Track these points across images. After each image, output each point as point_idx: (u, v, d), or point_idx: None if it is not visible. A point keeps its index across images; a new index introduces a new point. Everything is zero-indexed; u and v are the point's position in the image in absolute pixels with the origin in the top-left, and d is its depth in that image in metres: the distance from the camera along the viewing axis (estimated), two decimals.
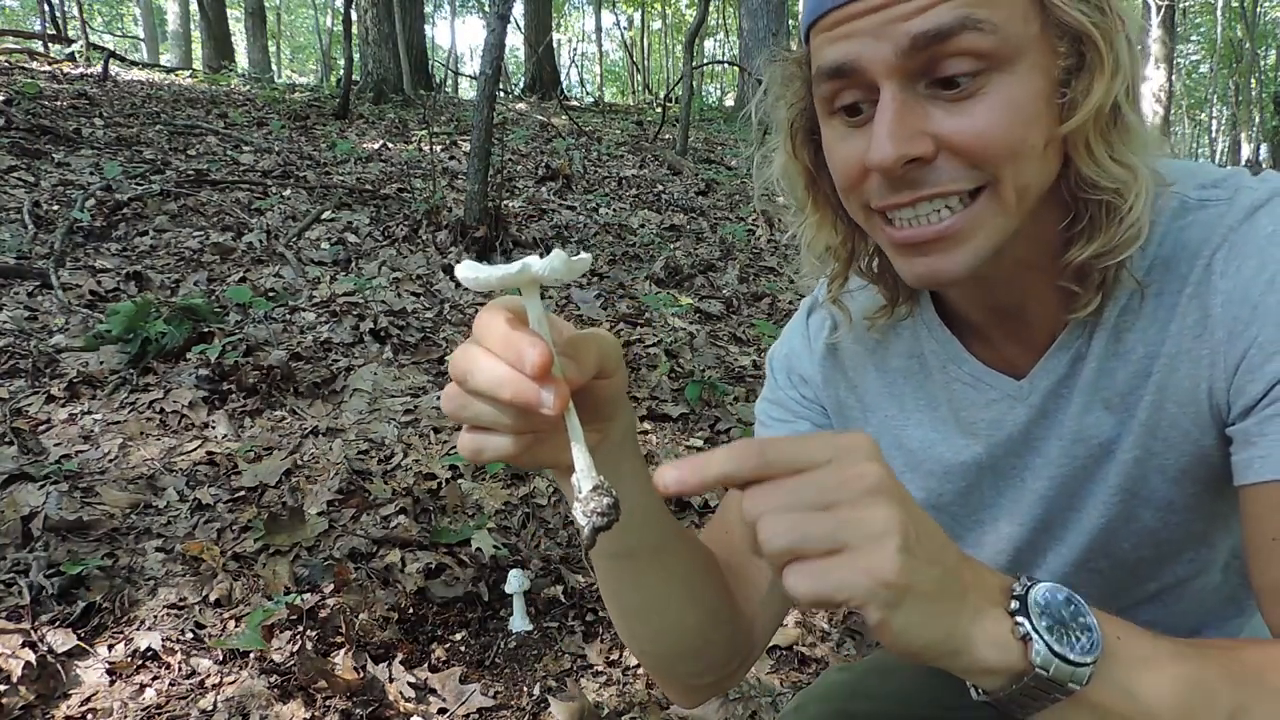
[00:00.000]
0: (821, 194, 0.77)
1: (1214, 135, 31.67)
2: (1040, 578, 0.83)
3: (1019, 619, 0.51)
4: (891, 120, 0.61)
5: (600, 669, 1.95)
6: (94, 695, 1.66)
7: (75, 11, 11.73)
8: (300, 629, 1.86)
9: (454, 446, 2.69)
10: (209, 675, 1.75)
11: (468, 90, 18.08)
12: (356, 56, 8.92)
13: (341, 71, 8.51)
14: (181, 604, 1.92)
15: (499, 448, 0.54)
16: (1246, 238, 0.65)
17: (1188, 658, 0.55)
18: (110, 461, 2.39)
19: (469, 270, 0.51)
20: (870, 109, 0.64)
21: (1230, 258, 0.65)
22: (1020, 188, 0.63)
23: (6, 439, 2.38)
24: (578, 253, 0.52)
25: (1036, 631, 0.50)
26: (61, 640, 1.74)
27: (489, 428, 0.54)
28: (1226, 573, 0.81)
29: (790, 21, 11.86)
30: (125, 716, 1.63)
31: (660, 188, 6.93)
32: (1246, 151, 23.78)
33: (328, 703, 1.72)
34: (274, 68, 17.73)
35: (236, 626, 1.87)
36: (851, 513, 0.47)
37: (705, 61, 20.74)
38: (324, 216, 4.78)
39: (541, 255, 0.52)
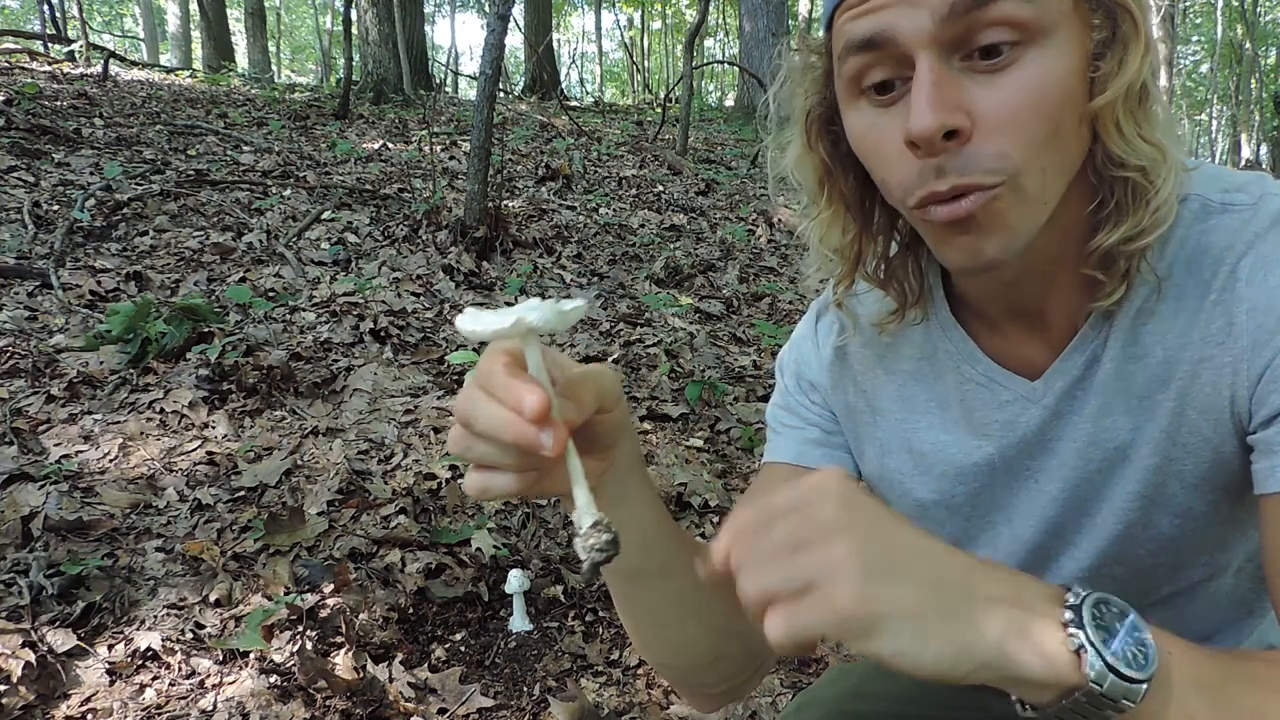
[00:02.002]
0: (835, 188, 0.75)
1: (1214, 135, 31.68)
2: (1052, 582, 0.82)
3: (1072, 630, 0.50)
4: (930, 89, 0.60)
5: (600, 669, 1.95)
6: (94, 695, 1.66)
7: (75, 11, 11.73)
8: (300, 629, 1.86)
9: None
10: (209, 675, 1.75)
11: (468, 90, 18.08)
12: (356, 56, 8.92)
13: (341, 71, 8.51)
14: (181, 604, 1.92)
15: (504, 485, 0.57)
16: (1273, 245, 0.65)
17: (1241, 676, 0.54)
18: (110, 461, 2.39)
19: (466, 323, 0.54)
20: (903, 86, 0.63)
21: (1256, 266, 0.65)
22: (1044, 176, 0.63)
23: (6, 439, 2.38)
24: (570, 297, 0.55)
25: (1092, 644, 0.49)
26: (61, 640, 1.74)
27: (494, 466, 0.56)
28: (1239, 576, 0.81)
29: (790, 22, 11.86)
30: (125, 716, 1.63)
31: (660, 188, 6.93)
32: (1247, 152, 23.79)
33: (328, 703, 1.71)
34: (274, 68, 17.72)
35: (236, 626, 1.87)
36: (812, 552, 0.48)
37: (705, 61, 20.75)
38: (324, 216, 4.78)
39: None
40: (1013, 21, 0.59)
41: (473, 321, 0.53)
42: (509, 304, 4.22)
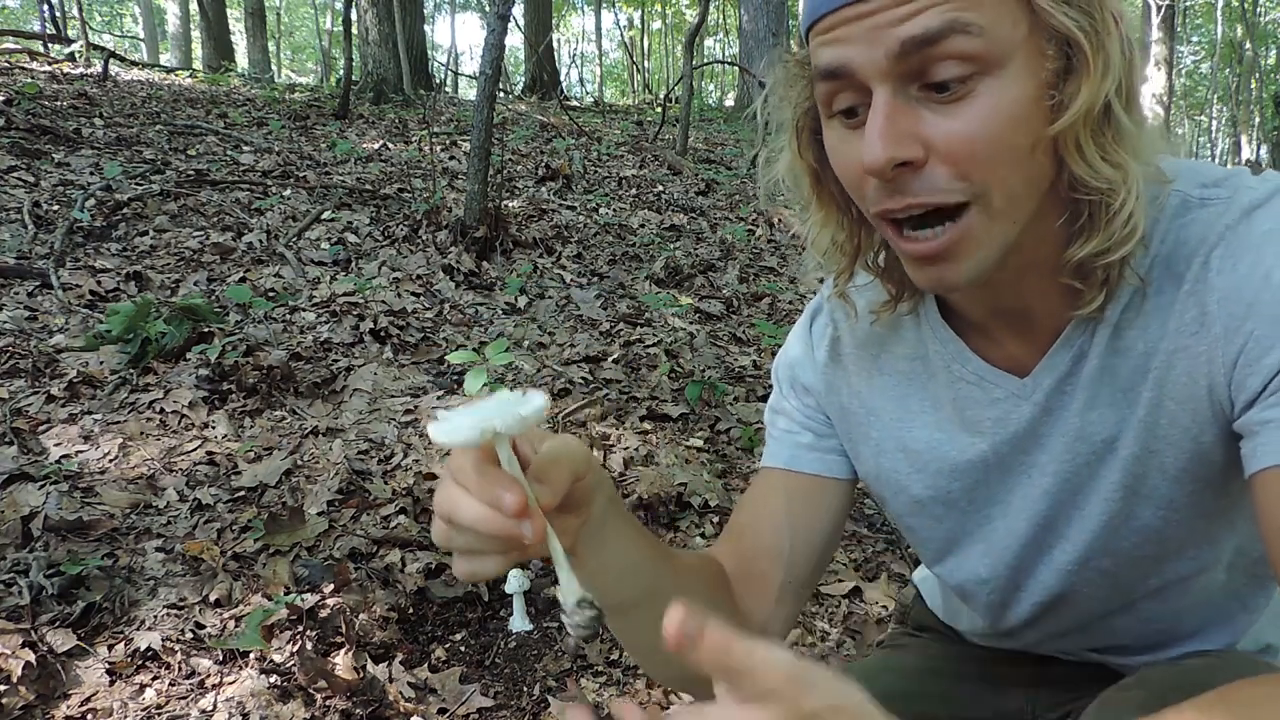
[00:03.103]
0: (826, 191, 0.77)
1: (1214, 135, 31.68)
2: (1045, 574, 0.83)
3: None
4: (882, 123, 0.62)
5: (600, 669, 1.95)
6: (94, 695, 1.66)
7: (75, 11, 11.72)
8: (300, 629, 1.86)
9: None
10: (209, 675, 1.74)
11: (468, 90, 18.07)
12: (356, 56, 8.92)
13: (341, 71, 8.50)
14: (181, 604, 1.92)
15: (491, 568, 0.61)
16: (1243, 236, 0.65)
17: None
18: (110, 461, 2.39)
19: (437, 434, 0.56)
20: (865, 112, 0.65)
21: (1226, 255, 0.66)
22: (1010, 195, 0.64)
23: (6, 439, 2.37)
24: (526, 394, 0.58)
25: None
26: (61, 640, 1.74)
27: (480, 552, 0.60)
28: (1231, 571, 0.82)
29: (791, 21, 11.87)
30: (125, 716, 1.63)
31: (660, 188, 6.93)
32: (1247, 152, 23.80)
33: (328, 703, 1.71)
34: (274, 68, 17.71)
35: (236, 626, 1.87)
36: None
37: (705, 61, 20.74)
38: (324, 216, 4.78)
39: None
40: (963, 55, 0.60)
41: (443, 433, 0.56)
42: (509, 304, 4.16)
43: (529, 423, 0.57)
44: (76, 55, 9.60)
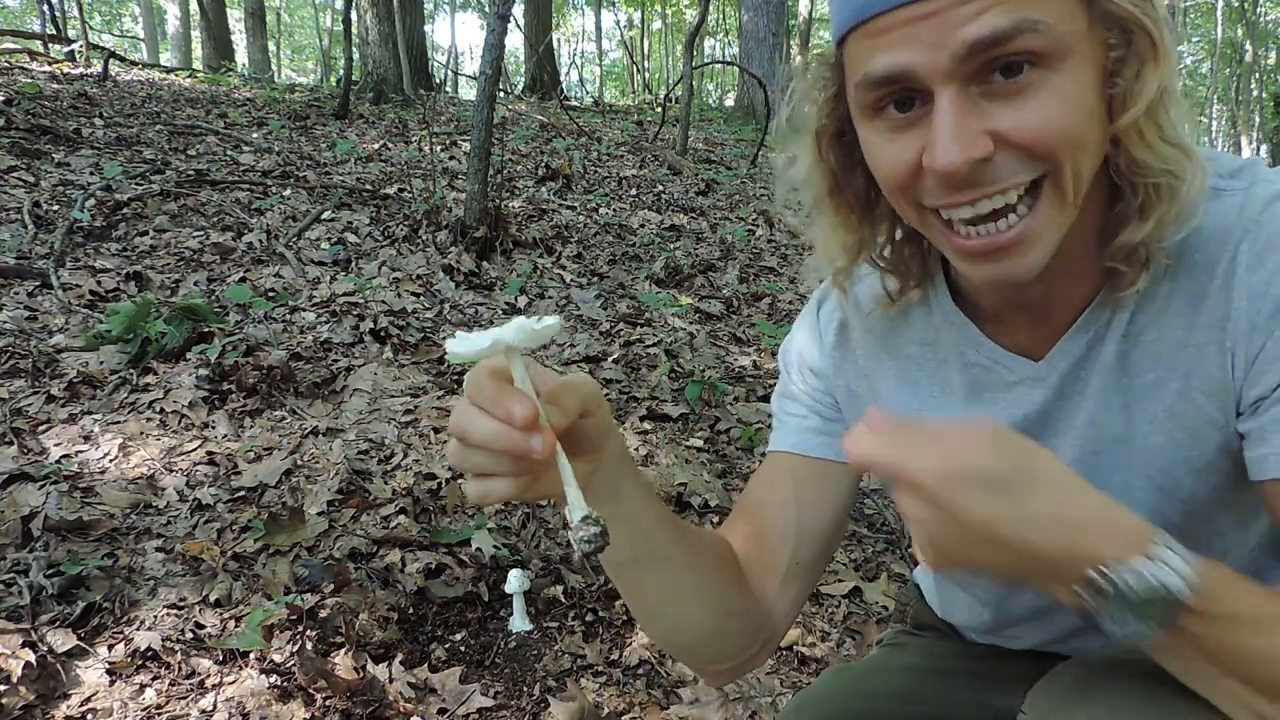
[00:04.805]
0: (843, 196, 0.77)
1: (1214, 135, 31.68)
2: None
3: (1088, 595, 0.57)
4: (953, 124, 0.61)
5: (600, 669, 1.95)
6: (94, 695, 1.66)
7: (75, 11, 11.71)
8: (300, 629, 1.86)
9: None
10: (209, 675, 1.74)
11: (468, 90, 18.07)
12: (356, 56, 8.92)
13: (341, 71, 8.50)
14: (181, 604, 1.92)
15: (501, 490, 0.62)
16: (1269, 231, 0.66)
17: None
18: (110, 461, 2.39)
19: (454, 346, 0.60)
20: (921, 106, 0.63)
21: (1253, 251, 0.66)
22: (1076, 176, 0.64)
23: (6, 439, 2.37)
24: (542, 317, 0.61)
25: (1096, 614, 0.57)
26: (61, 640, 1.74)
27: (491, 473, 0.62)
28: (1232, 565, 0.82)
29: (791, 21, 11.87)
30: (125, 716, 1.63)
31: (660, 188, 6.93)
32: (1247, 152, 23.80)
33: (328, 703, 1.71)
34: (274, 68, 17.70)
35: (236, 626, 1.87)
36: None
37: (705, 61, 20.74)
38: (324, 216, 4.78)
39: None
40: (1029, 52, 0.60)
41: (459, 345, 0.60)
42: (509, 305, 4.18)
43: (540, 337, 0.60)
44: (76, 55, 9.59)
